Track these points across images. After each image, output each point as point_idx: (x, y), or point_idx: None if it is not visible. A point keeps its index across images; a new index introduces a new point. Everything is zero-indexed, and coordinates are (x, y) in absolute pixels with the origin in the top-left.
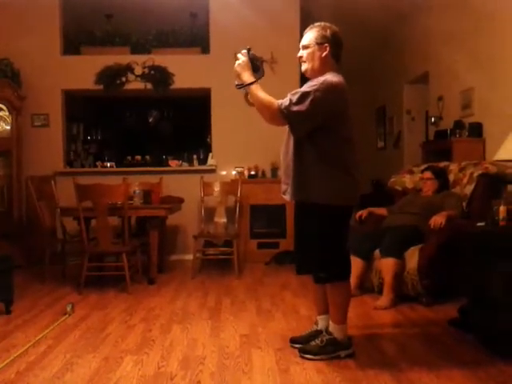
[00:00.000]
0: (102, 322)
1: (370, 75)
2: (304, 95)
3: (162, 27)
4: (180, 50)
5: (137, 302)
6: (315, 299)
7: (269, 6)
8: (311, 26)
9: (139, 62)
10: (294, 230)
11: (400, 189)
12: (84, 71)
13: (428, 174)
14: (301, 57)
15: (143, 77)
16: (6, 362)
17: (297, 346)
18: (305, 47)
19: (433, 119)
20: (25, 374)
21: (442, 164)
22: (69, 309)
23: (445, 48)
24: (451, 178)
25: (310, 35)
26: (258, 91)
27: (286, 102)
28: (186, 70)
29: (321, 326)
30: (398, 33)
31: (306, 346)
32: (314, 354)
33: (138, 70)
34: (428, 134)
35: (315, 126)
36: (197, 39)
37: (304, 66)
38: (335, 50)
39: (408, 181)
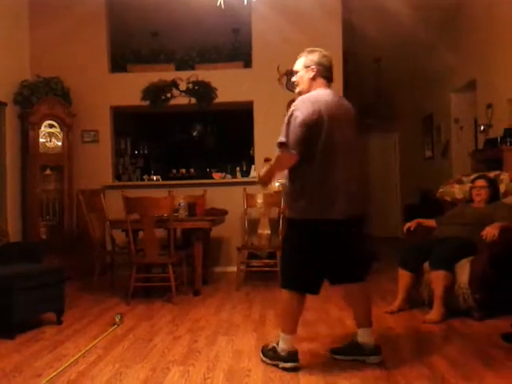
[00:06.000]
0: (149, 333)
1: (416, 84)
2: (288, 124)
3: (205, 43)
4: (223, 64)
5: (182, 313)
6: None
7: (310, 19)
8: (301, 53)
9: (183, 77)
10: None
11: (449, 199)
12: (131, 88)
13: (482, 182)
14: (294, 81)
15: (187, 92)
16: (57, 372)
17: (337, 356)
18: (295, 72)
19: (482, 127)
20: (75, 383)
21: (493, 173)
22: (118, 319)
23: (492, 55)
24: (502, 187)
25: (299, 61)
26: (265, 169)
27: (283, 142)
28: (228, 84)
29: (360, 339)
30: (443, 41)
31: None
32: (263, 354)
33: (183, 86)
34: (477, 142)
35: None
36: (239, 54)
37: (297, 89)
38: (323, 71)
39: (457, 191)
